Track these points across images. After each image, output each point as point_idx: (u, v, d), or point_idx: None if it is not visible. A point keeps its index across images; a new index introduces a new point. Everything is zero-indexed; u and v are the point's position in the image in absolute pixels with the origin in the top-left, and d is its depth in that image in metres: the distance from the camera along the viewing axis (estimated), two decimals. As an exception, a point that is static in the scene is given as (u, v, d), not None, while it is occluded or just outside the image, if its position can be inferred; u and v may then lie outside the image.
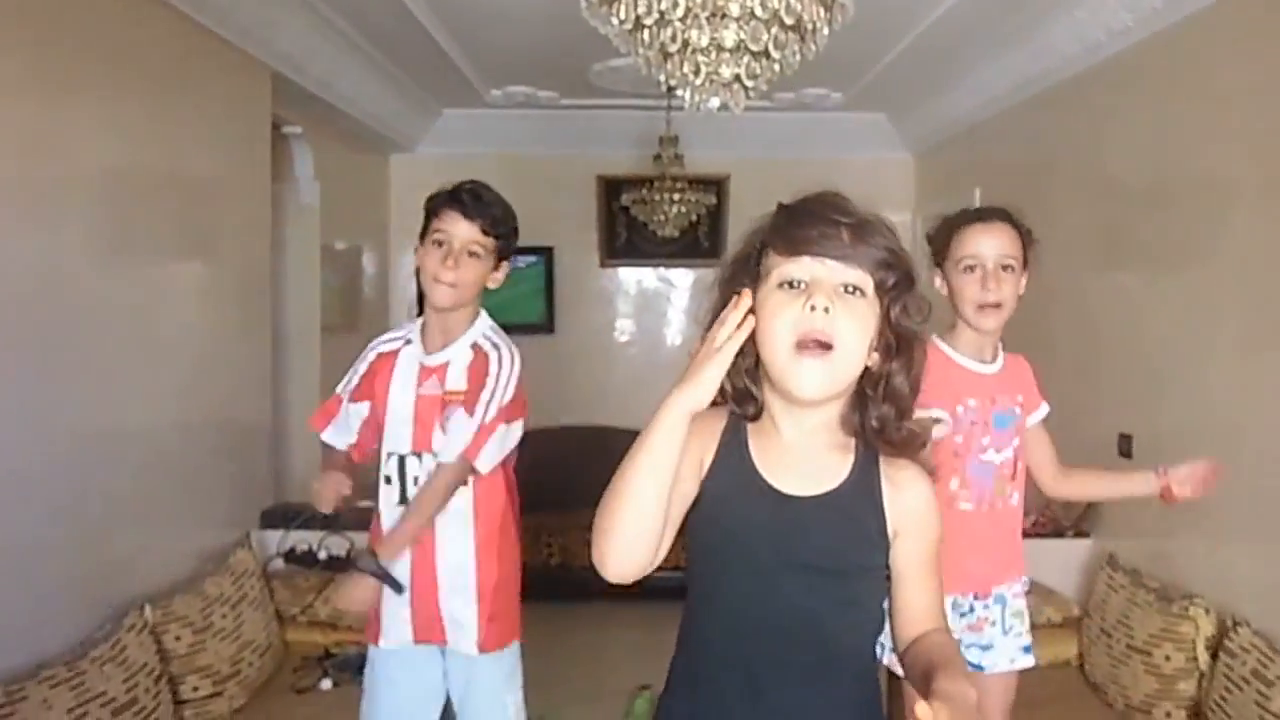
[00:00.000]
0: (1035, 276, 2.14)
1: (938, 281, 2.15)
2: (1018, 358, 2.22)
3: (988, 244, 2.06)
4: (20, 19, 2.36)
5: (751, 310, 1.15)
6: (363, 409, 2.24)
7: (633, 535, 1.12)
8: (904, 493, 1.26)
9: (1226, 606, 2.73)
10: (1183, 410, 3.04)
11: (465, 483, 2.13)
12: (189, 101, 3.19)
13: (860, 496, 1.24)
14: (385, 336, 2.29)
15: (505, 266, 2.21)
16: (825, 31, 1.70)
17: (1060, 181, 3.88)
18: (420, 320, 2.24)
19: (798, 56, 1.72)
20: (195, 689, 2.74)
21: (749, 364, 1.23)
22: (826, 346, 1.15)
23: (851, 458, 1.25)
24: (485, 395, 2.12)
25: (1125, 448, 3.31)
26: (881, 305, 1.20)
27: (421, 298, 2.22)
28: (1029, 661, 2.18)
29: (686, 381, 1.11)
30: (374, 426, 2.22)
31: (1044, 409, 2.22)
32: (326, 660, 3.12)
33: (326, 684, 3.02)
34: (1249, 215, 2.72)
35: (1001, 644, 2.14)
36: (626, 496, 1.12)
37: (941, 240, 2.14)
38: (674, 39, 1.67)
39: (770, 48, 1.66)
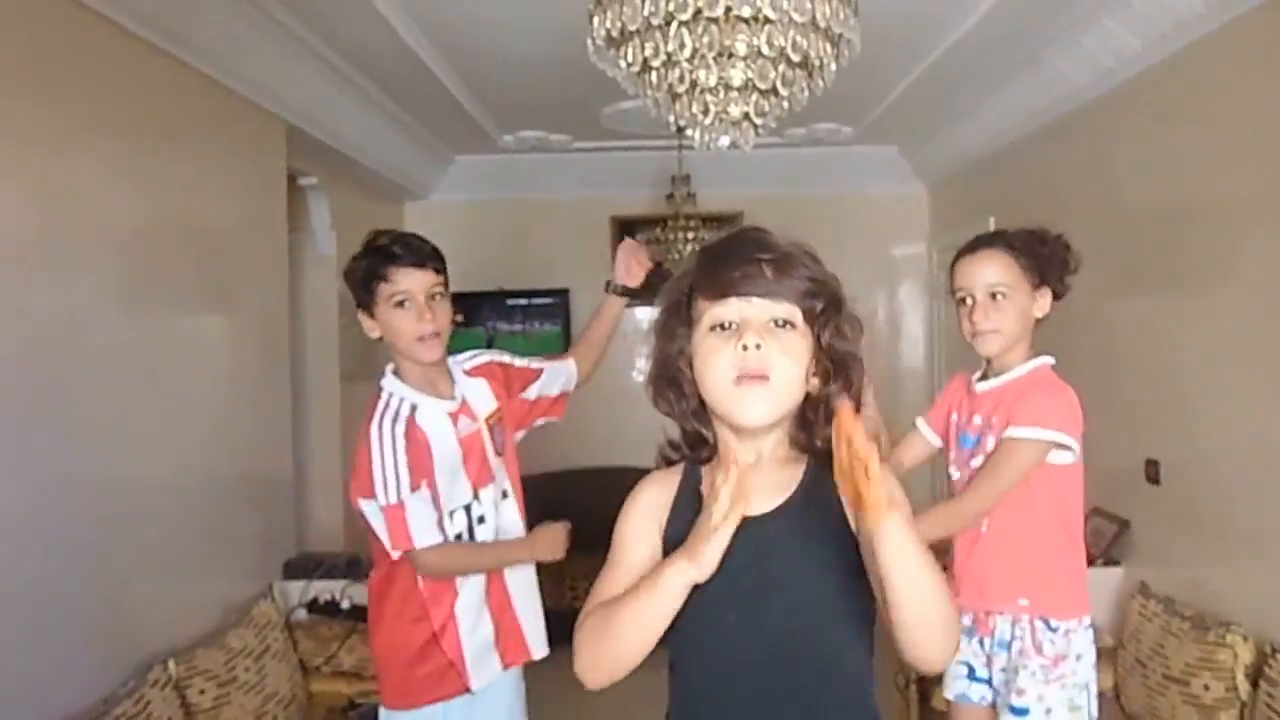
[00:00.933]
0: (1054, 304, 2.10)
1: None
2: (1035, 380, 2.03)
3: (974, 274, 2.04)
4: (37, 74, 2.40)
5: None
6: (425, 494, 2.04)
7: (613, 673, 1.21)
8: None
9: (1265, 633, 2.67)
10: (1210, 434, 3.00)
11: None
12: (205, 155, 3.23)
13: (814, 498, 1.24)
14: (385, 417, 2.05)
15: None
16: (833, 67, 1.71)
17: (1076, 208, 3.86)
18: (396, 383, 2.10)
19: (806, 93, 1.73)
20: (220, 744, 2.72)
21: (693, 406, 1.26)
22: (764, 379, 1.19)
23: (802, 467, 1.27)
24: (523, 363, 2.32)
25: (1153, 474, 3.27)
26: (813, 332, 1.22)
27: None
28: None
29: (689, 558, 1.14)
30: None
31: (1010, 432, 1.97)
32: (351, 711, 3.10)
33: (352, 735, 3.00)
34: (1266, 236, 2.70)
35: (1002, 691, 2.08)
36: (613, 648, 1.20)
37: (949, 276, 2.14)
38: (682, 80, 1.67)
39: (778, 85, 1.67)
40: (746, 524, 1.19)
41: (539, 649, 2.23)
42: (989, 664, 2.11)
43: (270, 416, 3.68)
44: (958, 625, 1.16)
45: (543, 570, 2.29)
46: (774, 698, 1.21)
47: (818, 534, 1.23)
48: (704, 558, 1.12)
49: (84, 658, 2.47)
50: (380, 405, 2.08)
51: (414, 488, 2.02)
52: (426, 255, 2.08)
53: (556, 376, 2.36)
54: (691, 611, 1.21)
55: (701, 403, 1.25)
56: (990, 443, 2.03)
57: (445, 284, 2.13)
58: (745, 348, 1.18)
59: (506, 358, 2.31)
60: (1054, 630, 2.02)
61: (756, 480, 1.22)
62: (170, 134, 3.01)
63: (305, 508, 4.10)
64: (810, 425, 1.25)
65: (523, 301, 5.87)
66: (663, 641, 1.24)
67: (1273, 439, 2.70)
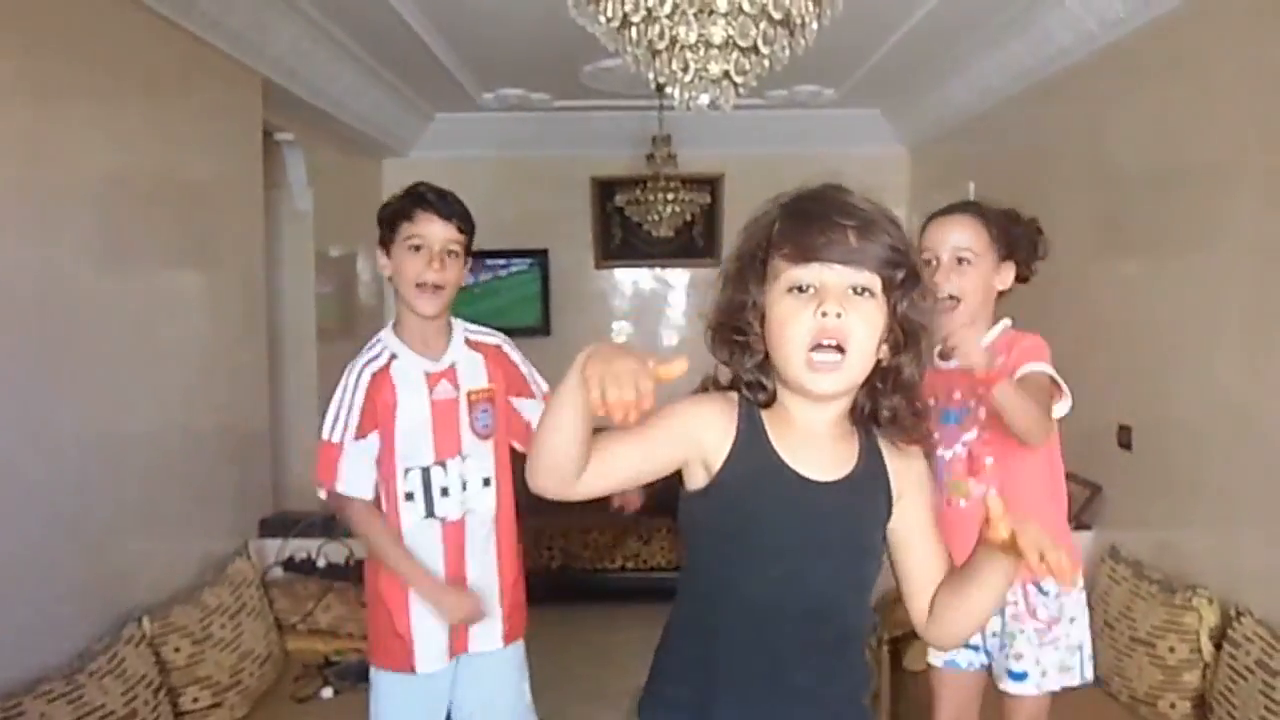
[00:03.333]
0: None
1: None
2: (1015, 338, 2.05)
3: (941, 237, 2.02)
4: (11, 27, 2.35)
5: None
6: (373, 443, 2.10)
7: (550, 458, 1.16)
8: (906, 458, 1.31)
9: (1230, 597, 2.71)
10: (1186, 400, 3.02)
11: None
12: (181, 108, 3.17)
13: (871, 478, 1.28)
14: (363, 358, 2.14)
15: (470, 263, 2.21)
16: (814, 26, 1.69)
17: (1059, 172, 3.86)
18: (389, 333, 2.17)
19: (787, 52, 1.71)
20: (195, 700, 2.72)
21: (758, 360, 1.25)
22: (840, 350, 1.18)
23: (858, 443, 1.29)
24: (529, 375, 2.25)
25: (1125, 439, 3.31)
26: (889, 301, 1.22)
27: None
28: (1012, 688, 2.07)
29: (597, 356, 1.09)
30: (380, 455, 2.12)
31: (1027, 368, 1.97)
32: (327, 668, 3.10)
33: (327, 692, 3.00)
34: (1250, 201, 2.71)
35: (997, 658, 2.10)
36: (540, 440, 1.17)
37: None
38: (661, 36, 1.65)
39: (759, 43, 1.65)
40: (812, 485, 1.25)
41: (486, 640, 2.19)
42: (981, 629, 2.12)
43: (247, 373, 3.65)
44: None
45: (522, 532, 2.30)
46: (796, 649, 1.27)
47: (868, 514, 1.29)
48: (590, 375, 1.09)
49: (59, 613, 2.46)
50: (365, 349, 2.17)
51: (359, 435, 2.09)
52: (453, 211, 2.12)
53: (539, 413, 2.22)
54: (736, 550, 1.26)
55: (766, 356, 1.24)
56: (982, 411, 2.03)
57: (466, 247, 2.16)
58: (825, 314, 1.17)
59: (517, 355, 2.27)
60: (1046, 594, 2.04)
61: (819, 444, 1.27)
62: (146, 88, 2.96)
63: (282, 466, 4.08)
64: (877, 395, 1.26)
65: (502, 262, 5.84)
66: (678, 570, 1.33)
67: (1245, 404, 2.73)
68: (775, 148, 5.58)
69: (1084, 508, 3.58)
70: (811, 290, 1.19)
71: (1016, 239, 2.06)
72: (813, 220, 1.20)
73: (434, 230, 2.09)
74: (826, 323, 1.17)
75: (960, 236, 2.02)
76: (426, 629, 2.14)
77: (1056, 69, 3.80)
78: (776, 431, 1.26)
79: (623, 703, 3.53)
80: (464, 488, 2.14)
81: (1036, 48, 3.83)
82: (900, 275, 1.21)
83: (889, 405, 1.25)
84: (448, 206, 2.12)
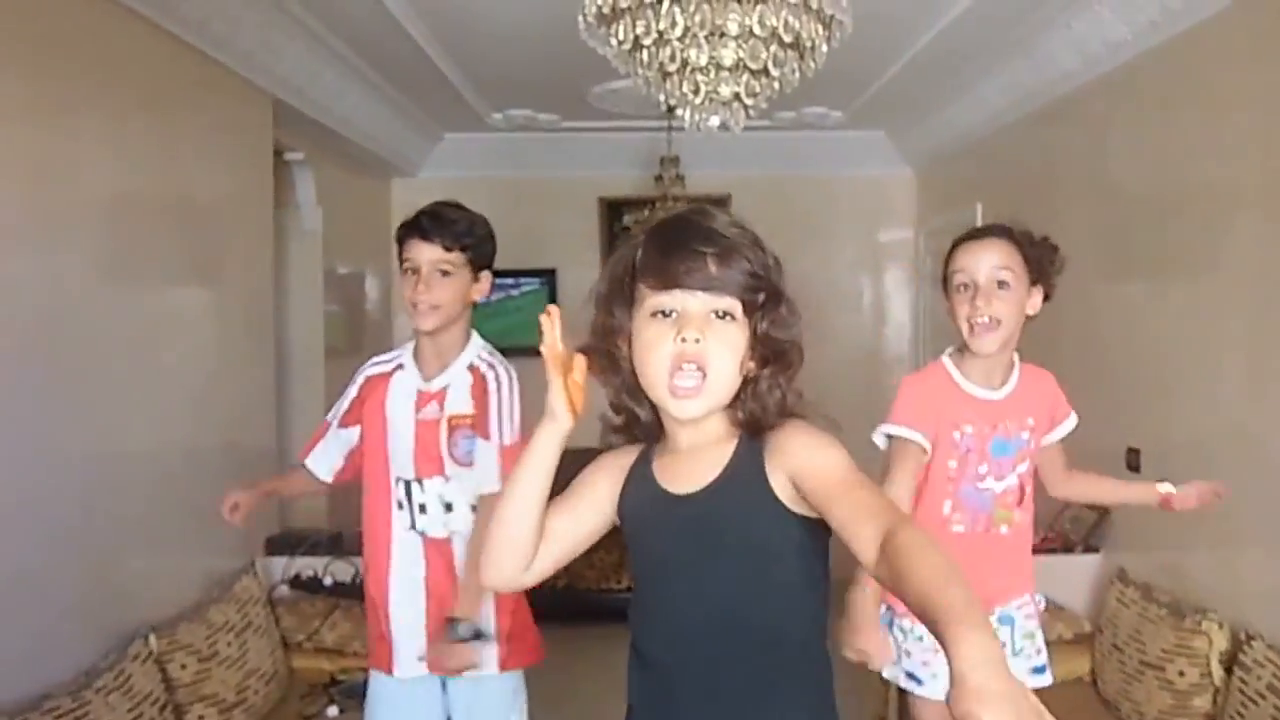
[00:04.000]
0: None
1: (947, 306, 2.12)
2: (1040, 373, 2.14)
3: (978, 260, 2.01)
4: (22, 45, 2.37)
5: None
6: (352, 435, 2.24)
7: (500, 550, 1.28)
8: (777, 443, 1.26)
9: (1240, 620, 2.70)
10: (1191, 422, 3.02)
11: None
12: (191, 127, 3.20)
13: (744, 475, 1.27)
14: (376, 359, 2.28)
15: (486, 277, 2.20)
16: (824, 49, 1.71)
17: (1064, 194, 3.87)
18: (412, 345, 2.23)
19: (797, 74, 1.72)
20: (201, 718, 2.71)
21: (628, 384, 1.30)
22: (702, 375, 1.22)
23: (734, 445, 1.29)
24: (494, 415, 2.13)
25: (1133, 461, 3.30)
26: (751, 323, 1.25)
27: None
28: (1041, 681, 2.13)
29: (545, 414, 1.22)
30: (360, 453, 2.22)
31: (1071, 421, 2.14)
32: (332, 687, 3.10)
33: (333, 711, 3.00)
34: (1253, 223, 2.71)
35: (1011, 665, 2.09)
36: (497, 516, 1.28)
37: (944, 265, 2.11)
38: (673, 58, 1.67)
39: (769, 65, 1.66)
40: (681, 500, 1.28)
41: (477, 666, 2.15)
42: None
43: (254, 392, 3.66)
44: None
45: None
46: (720, 664, 1.26)
47: (751, 507, 1.27)
48: (550, 403, 1.21)
49: (65, 630, 2.46)
50: (384, 353, 2.30)
51: (343, 424, 2.25)
52: (440, 232, 2.12)
53: (485, 457, 2.13)
54: (645, 581, 1.32)
55: (636, 382, 1.29)
56: (1033, 443, 2.09)
57: (466, 262, 2.14)
58: (685, 340, 1.21)
59: (499, 390, 2.15)
60: (1036, 593, 2.18)
61: (694, 461, 1.29)
62: (156, 107, 2.98)
63: (289, 484, 4.08)
64: (737, 403, 1.28)
65: (510, 281, 5.85)
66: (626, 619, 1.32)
67: (1253, 428, 2.72)
68: (782, 169, 5.61)
69: (1092, 530, 3.57)
70: (674, 315, 1.23)
71: (1041, 260, 2.06)
72: (674, 249, 1.23)
73: (420, 252, 2.12)
74: (686, 348, 1.21)
75: (998, 258, 2.01)
76: (403, 630, 2.16)
77: (1061, 92, 3.82)
78: (662, 460, 1.32)
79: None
80: (447, 509, 2.14)
81: (1041, 71, 3.85)
82: (760, 298, 1.24)
83: (746, 410, 1.28)
84: (435, 226, 2.12)
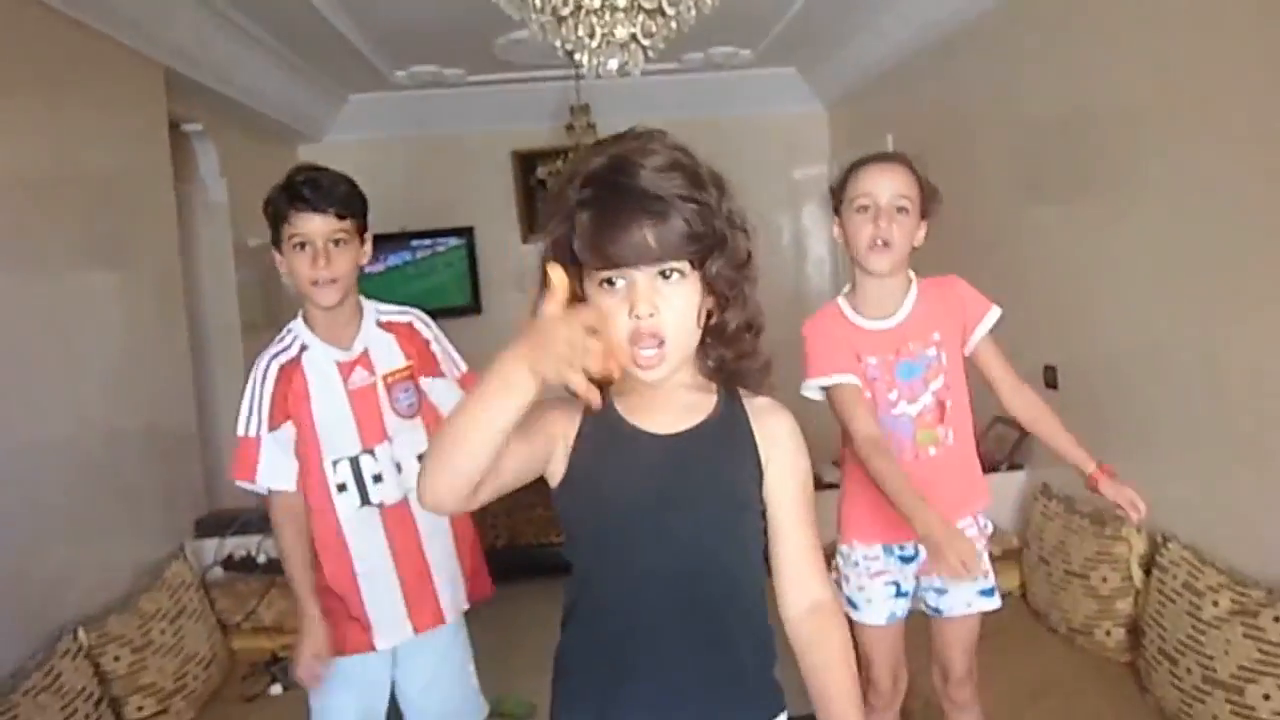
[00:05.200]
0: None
1: (835, 230, 2.14)
2: (942, 281, 2.14)
3: (881, 183, 2.03)
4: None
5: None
6: (288, 433, 2.08)
7: (454, 473, 1.11)
8: (767, 418, 1.31)
9: (1157, 525, 2.80)
10: (1105, 339, 3.10)
11: None
12: (80, 103, 3.06)
13: (730, 425, 1.29)
14: (272, 349, 2.10)
15: (369, 240, 2.13)
16: (719, -15, 1.68)
17: (975, 123, 3.91)
18: (300, 323, 2.12)
19: (693, 12, 1.70)
20: (140, 709, 2.67)
21: None
22: (659, 342, 1.19)
23: (714, 396, 1.30)
24: (439, 351, 2.17)
25: (1050, 379, 3.38)
26: (701, 270, 1.22)
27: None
28: (989, 604, 2.17)
29: (533, 347, 1.05)
30: (301, 446, 2.10)
31: (992, 314, 2.11)
32: (274, 665, 3.06)
33: (276, 689, 2.97)
34: (1161, 143, 2.76)
35: (956, 588, 2.13)
36: (457, 437, 1.10)
37: (839, 185, 2.12)
38: (565, 2, 1.63)
39: (664, 4, 1.63)
40: (660, 440, 1.26)
41: (452, 613, 2.19)
42: (925, 572, 2.16)
43: (169, 371, 3.56)
44: None
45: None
46: (679, 608, 1.26)
47: (733, 457, 1.28)
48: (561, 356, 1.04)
49: (-12, 631, 2.39)
50: (275, 341, 2.12)
51: (273, 426, 2.06)
52: (331, 199, 2.03)
53: (448, 393, 2.16)
54: (602, 520, 1.26)
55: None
56: (944, 357, 2.08)
57: (355, 228, 2.07)
58: (639, 317, 1.17)
59: (429, 331, 2.18)
60: (982, 514, 2.22)
61: (667, 401, 1.27)
62: (42, 85, 2.85)
63: (214, 464, 3.99)
64: (707, 348, 1.27)
65: (427, 242, 5.76)
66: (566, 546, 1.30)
67: (1165, 342, 2.80)
68: (695, 112, 5.55)
69: (1015, 448, 3.66)
70: (620, 284, 1.19)
71: (928, 196, 2.09)
72: (606, 223, 1.17)
73: (313, 226, 2.01)
74: (640, 324, 1.18)
75: (901, 184, 2.04)
76: (380, 604, 2.12)
77: (963, 21, 3.84)
78: (623, 399, 1.28)
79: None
80: (399, 469, 2.11)
81: (942, 1, 3.86)
82: (705, 245, 1.20)
83: (715, 355, 1.27)
84: (323, 197, 2.01)
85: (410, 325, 2.17)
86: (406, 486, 2.12)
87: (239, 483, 2.12)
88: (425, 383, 2.16)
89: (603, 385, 1.16)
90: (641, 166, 1.17)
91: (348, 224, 2.05)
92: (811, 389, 2.09)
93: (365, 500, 2.10)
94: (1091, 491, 2.08)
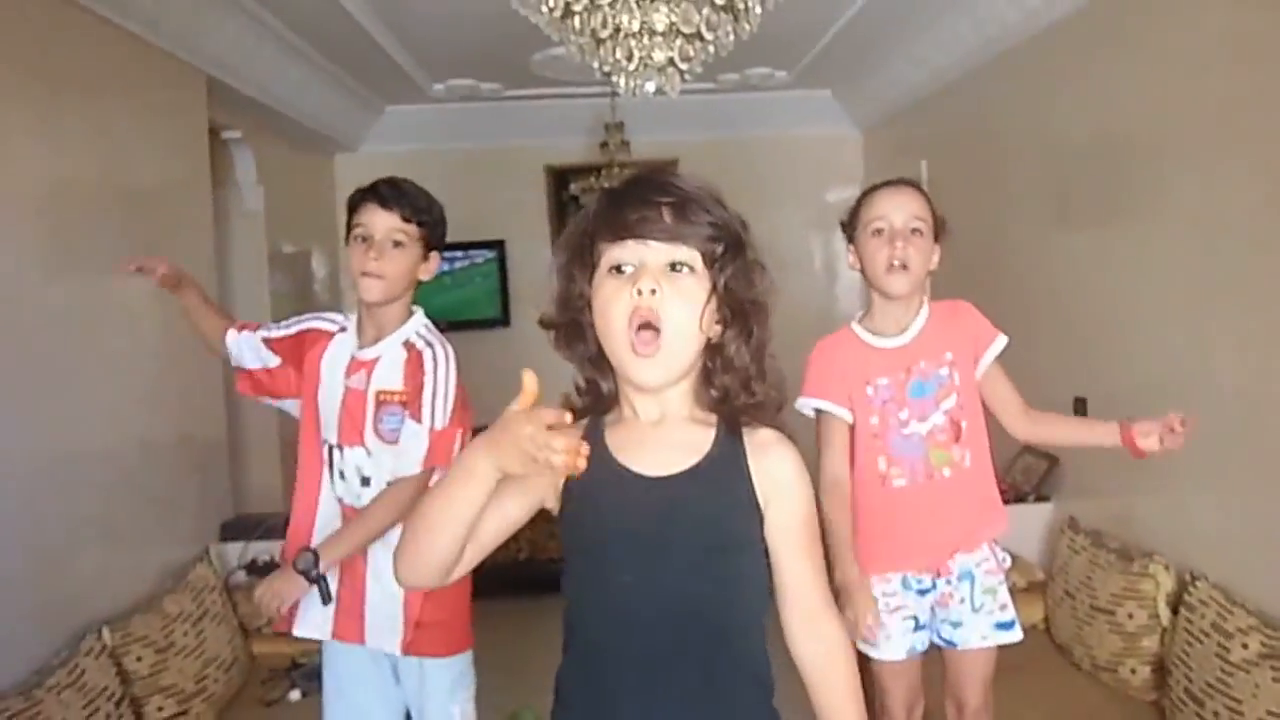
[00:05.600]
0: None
1: (850, 258, 2.15)
2: (952, 305, 2.13)
3: (895, 206, 2.05)
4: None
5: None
6: (268, 359, 2.23)
7: (425, 558, 1.16)
8: (767, 458, 1.26)
9: (1185, 562, 2.76)
10: (1136, 370, 3.07)
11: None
12: (124, 110, 3.11)
13: (726, 467, 1.24)
14: (326, 314, 2.26)
15: (435, 257, 2.15)
16: (758, 10, 1.69)
17: (1009, 149, 3.90)
18: (356, 314, 2.19)
19: (731, 37, 1.71)
20: (160, 709, 2.69)
21: (591, 352, 1.25)
22: (655, 330, 1.17)
23: (713, 432, 1.26)
24: (428, 396, 2.06)
25: (1080, 410, 3.34)
26: (713, 277, 1.21)
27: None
28: (1006, 638, 2.14)
29: (496, 443, 1.08)
30: (267, 379, 2.24)
31: (998, 342, 2.10)
32: (294, 671, 3.08)
33: (295, 695, 2.98)
34: (1194, 172, 2.74)
35: (972, 621, 2.11)
36: (428, 523, 1.15)
37: (852, 212, 2.13)
38: (604, 25, 1.64)
39: (702, 29, 1.64)
40: (652, 482, 1.22)
41: (380, 640, 2.12)
42: (941, 604, 2.14)
43: (202, 377, 3.59)
44: None
45: None
46: (667, 655, 1.22)
47: (724, 503, 1.25)
48: (548, 461, 1.06)
49: (16, 631, 2.41)
50: (334, 313, 2.27)
51: (271, 346, 2.23)
52: (399, 200, 2.08)
53: (412, 440, 2.06)
54: (590, 567, 1.24)
55: (601, 350, 1.23)
56: (957, 377, 2.07)
57: (420, 236, 2.10)
58: (640, 292, 1.17)
59: (435, 372, 2.08)
60: (997, 543, 2.17)
61: (660, 439, 1.24)
62: (87, 92, 2.90)
63: (241, 469, 4.04)
64: (709, 375, 1.24)
65: (459, 254, 5.80)
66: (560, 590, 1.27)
67: (1196, 375, 2.77)
68: (728, 131, 5.59)
69: (1042, 479, 3.63)
70: (630, 269, 1.19)
71: (939, 221, 2.10)
72: (629, 200, 1.20)
73: (376, 220, 2.07)
74: (641, 301, 1.16)
75: (914, 207, 2.06)
76: (311, 595, 2.09)
77: (1001, 48, 3.83)
78: (616, 435, 1.26)
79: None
80: (364, 483, 2.09)
81: (981, 27, 3.86)
82: (721, 248, 1.21)
83: (719, 384, 1.24)
84: (395, 194, 2.08)
85: (421, 356, 2.09)
86: (366, 501, 2.09)
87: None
88: (406, 420, 2.08)
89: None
90: (672, 173, 1.25)
91: (410, 228, 2.08)
92: (804, 406, 2.13)
93: (332, 489, 2.13)
94: (1131, 449, 2.02)
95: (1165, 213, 2.88)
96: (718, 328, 1.22)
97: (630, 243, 1.18)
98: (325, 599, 2.05)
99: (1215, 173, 2.65)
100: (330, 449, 2.12)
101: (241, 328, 2.28)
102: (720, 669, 1.24)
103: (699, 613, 1.22)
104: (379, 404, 2.09)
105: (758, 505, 1.25)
